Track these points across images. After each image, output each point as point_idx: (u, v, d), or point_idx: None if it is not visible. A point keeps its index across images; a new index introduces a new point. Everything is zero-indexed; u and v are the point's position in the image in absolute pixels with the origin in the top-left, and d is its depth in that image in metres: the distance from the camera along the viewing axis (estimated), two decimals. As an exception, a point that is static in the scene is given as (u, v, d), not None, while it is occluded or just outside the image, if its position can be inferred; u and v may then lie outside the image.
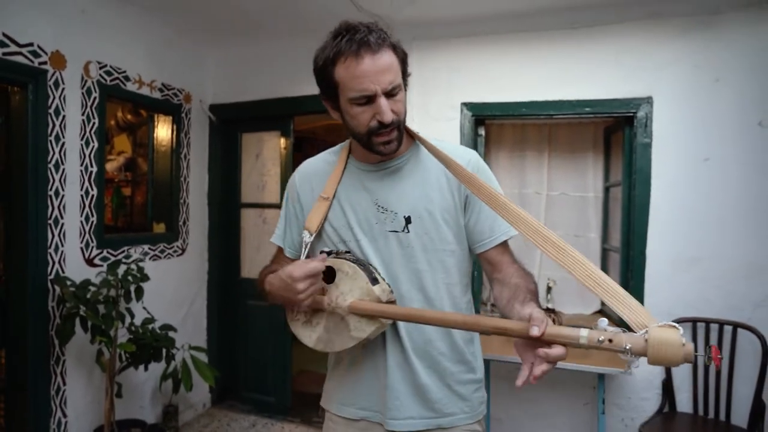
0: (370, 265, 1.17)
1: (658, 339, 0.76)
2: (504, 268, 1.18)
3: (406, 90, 1.16)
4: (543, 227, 0.96)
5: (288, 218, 1.32)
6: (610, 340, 0.79)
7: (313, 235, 1.21)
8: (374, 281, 1.11)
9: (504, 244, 1.20)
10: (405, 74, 1.15)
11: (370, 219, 1.19)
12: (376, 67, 1.05)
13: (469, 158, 1.20)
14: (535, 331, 0.85)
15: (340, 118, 1.17)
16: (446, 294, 1.19)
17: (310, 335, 1.16)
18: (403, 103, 1.13)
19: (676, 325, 0.78)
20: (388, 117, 1.07)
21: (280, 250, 1.35)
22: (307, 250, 1.21)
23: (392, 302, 1.13)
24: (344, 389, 1.27)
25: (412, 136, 1.23)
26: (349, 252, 1.19)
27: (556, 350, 0.84)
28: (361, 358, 1.23)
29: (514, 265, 1.18)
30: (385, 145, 1.12)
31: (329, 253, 1.17)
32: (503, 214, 1.02)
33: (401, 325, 1.17)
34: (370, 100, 1.08)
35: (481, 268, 1.27)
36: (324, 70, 1.11)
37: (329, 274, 1.14)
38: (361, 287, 1.09)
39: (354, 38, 1.06)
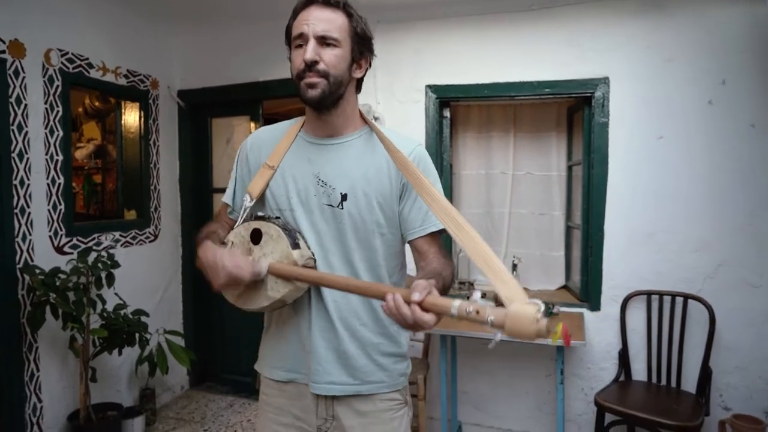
0: (298, 232, 1.22)
1: (516, 313, 0.82)
2: (429, 257, 1.22)
3: (359, 61, 1.23)
4: (457, 213, 1.05)
5: (236, 179, 1.38)
6: (477, 312, 0.86)
7: (254, 201, 1.27)
8: (295, 246, 1.16)
9: (433, 236, 1.25)
10: (357, 43, 1.21)
11: (309, 190, 1.24)
12: (315, 15, 1.16)
13: (413, 148, 1.26)
14: (415, 297, 0.92)
15: None
16: (371, 273, 1.26)
17: (233, 292, 1.21)
18: (338, 59, 1.17)
19: (538, 302, 0.84)
20: (308, 54, 1.14)
21: (224, 208, 1.40)
22: (245, 213, 1.27)
23: (310, 267, 1.19)
24: (273, 352, 1.33)
25: (366, 121, 1.30)
26: (279, 218, 1.25)
27: (427, 317, 0.92)
28: (288, 322, 1.29)
29: (438, 255, 1.23)
30: (309, 88, 1.16)
31: (261, 217, 1.23)
32: (428, 200, 1.10)
33: (326, 292, 1.23)
34: (303, 41, 1.16)
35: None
36: (287, 30, 1.23)
37: (257, 236, 1.19)
38: (281, 250, 1.15)
39: None
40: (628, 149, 2.75)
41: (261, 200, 1.30)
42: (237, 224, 1.27)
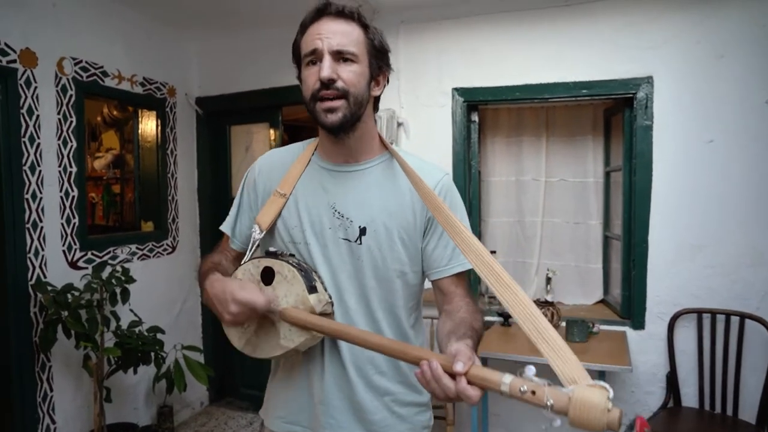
0: (314, 272, 1.09)
1: (582, 400, 0.67)
2: (455, 301, 1.08)
3: (377, 77, 1.11)
4: (494, 261, 0.87)
5: (241, 206, 1.24)
6: (533, 392, 0.71)
7: (264, 232, 1.13)
8: (312, 289, 1.03)
9: (459, 276, 1.11)
10: (375, 57, 1.09)
11: (323, 222, 1.11)
12: (328, 28, 1.04)
13: (439, 178, 1.12)
14: (459, 367, 0.77)
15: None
16: (390, 315, 1.12)
17: (239, 337, 1.08)
18: (357, 76, 1.04)
19: (606, 385, 0.68)
20: (325, 72, 1.01)
21: (227, 238, 1.26)
22: (254, 247, 1.14)
23: (328, 314, 1.05)
24: (278, 400, 1.20)
25: (386, 146, 1.16)
26: (293, 255, 1.12)
27: (472, 391, 0.77)
28: (297, 369, 1.15)
29: (466, 299, 1.08)
30: (327, 113, 1.03)
31: (274, 254, 1.10)
32: (457, 240, 0.94)
33: None
34: (317, 58, 1.04)
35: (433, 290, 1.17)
36: (295, 47, 1.12)
37: (269, 275, 1.06)
38: (296, 294, 1.02)
39: (318, 8, 1.07)
40: (675, 154, 2.53)
41: (271, 231, 1.16)
42: (246, 259, 1.13)
